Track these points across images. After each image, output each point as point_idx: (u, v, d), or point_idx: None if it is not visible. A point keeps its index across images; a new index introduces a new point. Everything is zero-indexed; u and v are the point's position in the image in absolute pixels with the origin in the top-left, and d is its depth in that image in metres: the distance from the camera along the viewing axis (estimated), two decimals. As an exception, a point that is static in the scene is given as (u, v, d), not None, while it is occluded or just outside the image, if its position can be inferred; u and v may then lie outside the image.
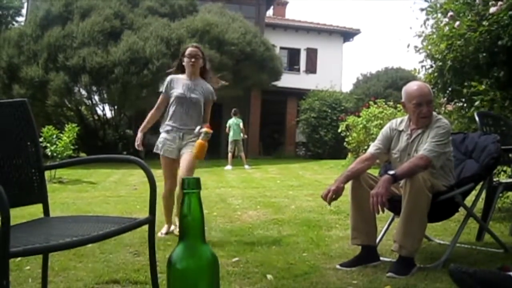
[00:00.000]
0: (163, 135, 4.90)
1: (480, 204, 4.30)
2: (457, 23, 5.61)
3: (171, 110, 4.90)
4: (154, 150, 4.93)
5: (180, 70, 5.09)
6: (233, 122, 16.36)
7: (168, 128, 4.87)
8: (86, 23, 18.63)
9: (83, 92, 20.31)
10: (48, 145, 11.18)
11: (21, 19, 25.47)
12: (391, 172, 3.44)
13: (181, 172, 4.68)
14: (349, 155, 16.85)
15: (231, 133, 16.28)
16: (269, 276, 3.25)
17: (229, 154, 16.16)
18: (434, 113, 3.86)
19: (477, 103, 5.64)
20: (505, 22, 5.03)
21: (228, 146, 16.54)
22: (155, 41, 18.29)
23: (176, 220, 4.97)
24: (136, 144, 5.02)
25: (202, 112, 4.95)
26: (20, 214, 3.46)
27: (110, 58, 17.85)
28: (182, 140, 4.84)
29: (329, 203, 3.57)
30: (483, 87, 5.50)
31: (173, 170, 4.89)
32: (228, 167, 15.62)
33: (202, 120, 4.93)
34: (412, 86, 3.80)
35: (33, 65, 18.30)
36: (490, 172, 4.09)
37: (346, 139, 16.42)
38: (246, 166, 15.99)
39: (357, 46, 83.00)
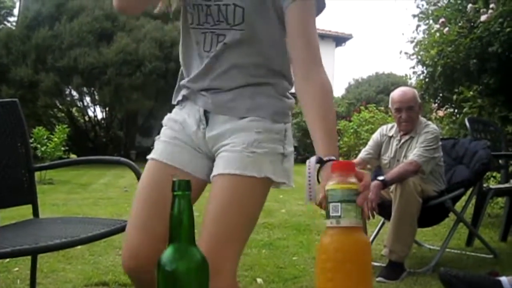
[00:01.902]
0: (168, 115, 1.78)
1: (470, 209, 4.32)
2: (446, 29, 5.65)
3: (183, 48, 1.75)
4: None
5: None
6: None
7: (182, 93, 1.75)
8: (74, 24, 18.58)
9: (74, 93, 20.24)
10: (39, 146, 11.12)
11: (13, 19, 25.35)
12: (381, 178, 3.46)
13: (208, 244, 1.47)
14: (340, 159, 16.88)
15: None
16: (259, 280, 3.25)
17: None
18: (423, 118, 3.90)
19: (465, 109, 5.69)
20: (496, 29, 5.07)
21: None
22: (148, 44, 18.26)
23: None
24: None
25: (281, 48, 1.64)
26: (9, 215, 3.44)
27: (102, 59, 17.80)
28: (205, 130, 1.66)
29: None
30: (471, 93, 5.55)
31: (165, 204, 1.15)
32: None
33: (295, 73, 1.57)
34: (397, 91, 3.87)
35: (22, 66, 18.23)
36: (480, 178, 4.11)
37: (337, 144, 16.46)
38: None
39: (349, 51, 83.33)
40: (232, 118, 1.62)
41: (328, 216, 1.15)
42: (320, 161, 1.40)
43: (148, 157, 1.70)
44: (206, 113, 1.65)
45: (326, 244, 1.14)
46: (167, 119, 1.75)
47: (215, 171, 1.58)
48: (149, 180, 1.65)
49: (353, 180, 1.17)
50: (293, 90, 1.61)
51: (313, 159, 1.41)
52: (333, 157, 1.40)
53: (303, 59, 1.53)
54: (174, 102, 1.76)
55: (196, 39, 1.65)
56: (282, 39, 1.61)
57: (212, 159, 1.65)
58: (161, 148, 1.69)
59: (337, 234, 1.13)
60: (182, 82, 1.73)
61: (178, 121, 1.70)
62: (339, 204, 1.14)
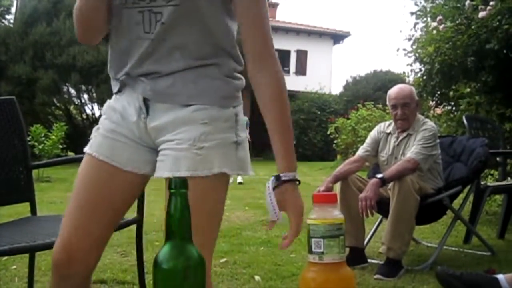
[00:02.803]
0: (107, 102, 1.62)
1: (468, 207, 4.33)
2: (442, 26, 5.65)
3: (115, 31, 1.58)
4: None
5: None
6: None
7: (121, 79, 1.55)
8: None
9: (72, 91, 20.22)
10: (36, 144, 11.12)
11: (10, 16, 25.32)
12: (379, 176, 3.46)
13: None
14: (338, 157, 16.90)
15: None
16: (256, 277, 3.25)
17: None
18: (421, 116, 3.91)
19: (462, 106, 5.70)
20: (493, 26, 5.07)
21: None
22: (145, 41, 18.25)
23: None
24: None
25: (218, 29, 1.50)
26: (7, 213, 3.44)
27: (100, 57, 17.78)
28: (146, 120, 1.50)
29: None
30: (468, 90, 5.55)
31: (100, 209, 1.53)
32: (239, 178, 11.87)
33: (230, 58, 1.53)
34: (394, 88, 3.89)
35: (20, 63, 18.21)
36: (478, 175, 4.12)
37: (335, 141, 16.46)
38: (239, 179, 12.00)
39: (347, 48, 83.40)
40: (174, 106, 1.47)
41: (310, 251, 1.12)
42: (277, 178, 1.43)
43: (85, 149, 1.58)
44: (146, 101, 1.49)
45: (309, 281, 1.12)
46: (106, 107, 1.60)
47: (162, 172, 1.45)
48: (86, 179, 1.56)
49: (336, 212, 1.14)
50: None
51: (271, 181, 1.44)
52: (290, 176, 1.43)
53: (256, 51, 1.48)
54: (114, 91, 1.60)
55: (135, 19, 1.47)
56: (224, 14, 1.49)
57: (156, 151, 1.51)
58: (98, 143, 1.55)
59: (320, 271, 1.11)
60: (123, 70, 1.54)
61: (117, 110, 1.54)
62: (321, 240, 1.11)
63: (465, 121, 4.74)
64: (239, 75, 1.55)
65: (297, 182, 1.47)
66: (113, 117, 1.55)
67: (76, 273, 1.52)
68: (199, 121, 1.44)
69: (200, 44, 1.47)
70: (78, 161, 2.98)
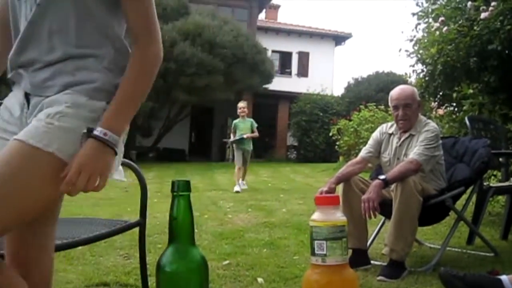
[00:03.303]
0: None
1: (471, 208, 4.32)
2: (445, 28, 5.65)
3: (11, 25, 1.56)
4: None
5: None
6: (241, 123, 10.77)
7: (10, 74, 1.58)
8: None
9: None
10: (39, 147, 11.13)
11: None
12: (382, 177, 3.45)
13: None
14: (341, 158, 16.88)
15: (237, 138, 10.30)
16: (260, 280, 3.25)
17: (236, 168, 10.15)
18: (423, 117, 3.91)
19: (465, 107, 5.69)
20: (496, 27, 5.06)
21: (233, 154, 11.09)
22: (147, 44, 18.25)
23: None
24: None
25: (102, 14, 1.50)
26: (9, 216, 3.43)
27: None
28: (28, 115, 1.48)
29: None
30: (471, 91, 5.55)
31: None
32: (237, 187, 9.62)
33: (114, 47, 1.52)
34: (396, 89, 3.89)
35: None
36: (481, 176, 4.10)
37: (337, 143, 16.45)
38: (242, 184, 10.00)
39: (349, 50, 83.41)
40: (48, 96, 1.43)
41: (313, 253, 1.14)
42: (89, 129, 1.38)
43: None
44: (27, 95, 1.47)
45: (312, 283, 1.14)
46: (1, 106, 1.57)
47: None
48: None
49: (338, 214, 1.15)
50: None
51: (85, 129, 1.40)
52: (101, 133, 1.36)
53: (134, 32, 1.49)
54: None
55: (20, 10, 1.47)
56: (105, 4, 1.49)
57: None
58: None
59: (323, 273, 1.12)
60: (12, 66, 1.52)
61: (8, 108, 1.53)
62: (324, 242, 1.13)
63: (467, 122, 4.74)
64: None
65: (107, 145, 1.38)
66: (4, 116, 1.53)
67: (34, 284, 1.50)
68: (63, 103, 1.40)
69: (80, 30, 1.45)
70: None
